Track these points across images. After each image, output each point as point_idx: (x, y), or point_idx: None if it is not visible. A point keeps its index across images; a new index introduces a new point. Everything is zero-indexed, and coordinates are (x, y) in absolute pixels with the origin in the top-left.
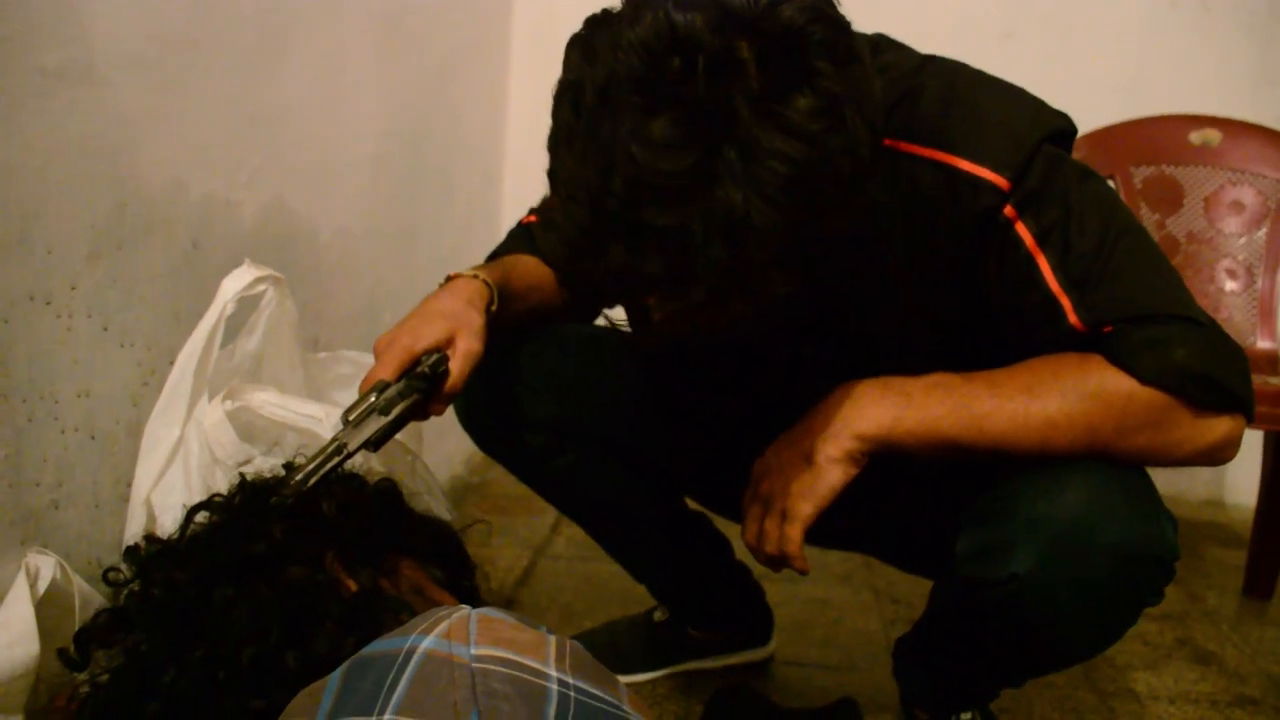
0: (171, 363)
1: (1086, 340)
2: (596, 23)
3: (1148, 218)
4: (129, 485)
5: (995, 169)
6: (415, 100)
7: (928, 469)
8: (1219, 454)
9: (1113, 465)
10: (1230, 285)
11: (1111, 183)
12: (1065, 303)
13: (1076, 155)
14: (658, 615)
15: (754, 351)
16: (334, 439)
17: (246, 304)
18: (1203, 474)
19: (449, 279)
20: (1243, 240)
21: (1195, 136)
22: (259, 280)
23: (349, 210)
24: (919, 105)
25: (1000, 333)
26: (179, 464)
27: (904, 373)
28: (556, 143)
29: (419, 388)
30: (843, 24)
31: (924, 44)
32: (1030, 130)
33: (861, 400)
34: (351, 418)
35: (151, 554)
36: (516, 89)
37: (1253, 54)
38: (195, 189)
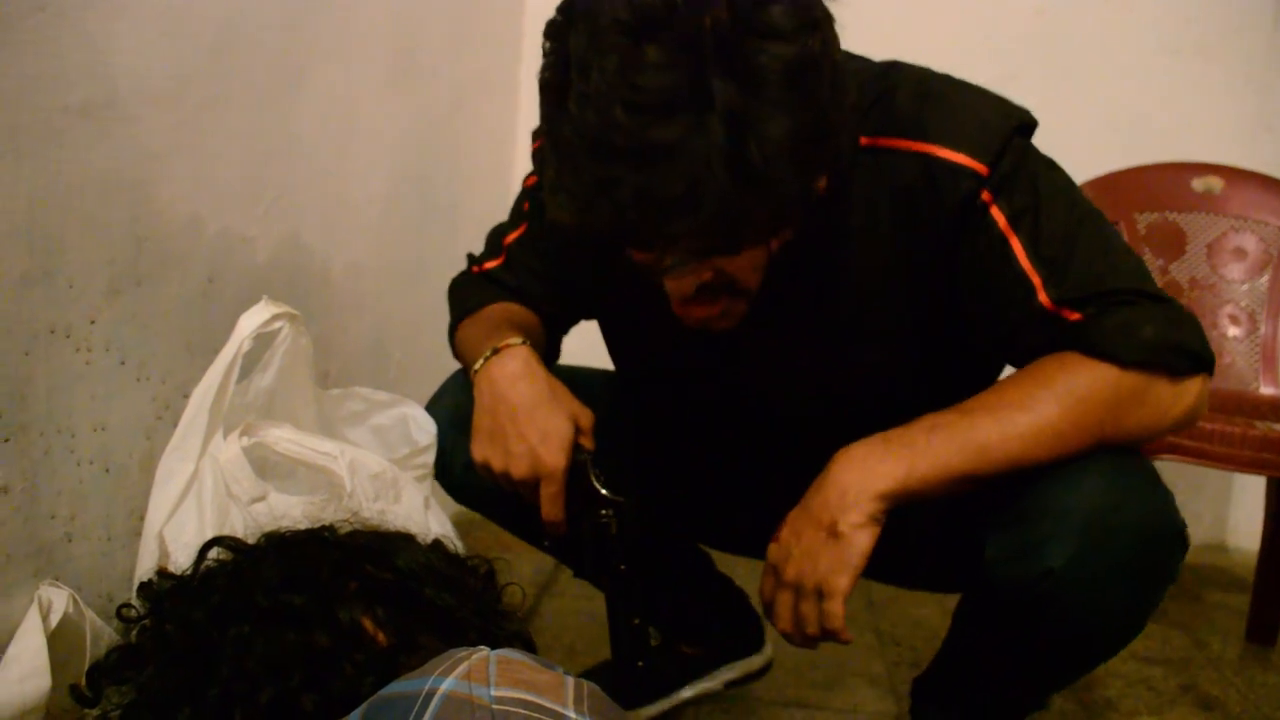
0: (186, 397)
1: (1053, 321)
2: (569, 2)
3: (1151, 263)
4: (142, 519)
5: (973, 155)
6: (425, 137)
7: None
8: (1196, 414)
9: (1115, 451)
10: (1233, 331)
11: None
12: (1036, 280)
13: None
14: (651, 642)
15: (745, 354)
16: (615, 592)
17: (262, 340)
18: (1205, 517)
19: (497, 350)
20: (1245, 287)
21: (1198, 183)
22: (276, 317)
23: (360, 245)
24: (894, 104)
25: (975, 318)
26: (193, 499)
27: (887, 374)
28: (552, 106)
29: (620, 500)
30: None
31: None
32: (1002, 121)
33: (868, 460)
34: (619, 567)
35: (165, 590)
36: (525, 126)
37: (1252, 101)
38: (212, 224)
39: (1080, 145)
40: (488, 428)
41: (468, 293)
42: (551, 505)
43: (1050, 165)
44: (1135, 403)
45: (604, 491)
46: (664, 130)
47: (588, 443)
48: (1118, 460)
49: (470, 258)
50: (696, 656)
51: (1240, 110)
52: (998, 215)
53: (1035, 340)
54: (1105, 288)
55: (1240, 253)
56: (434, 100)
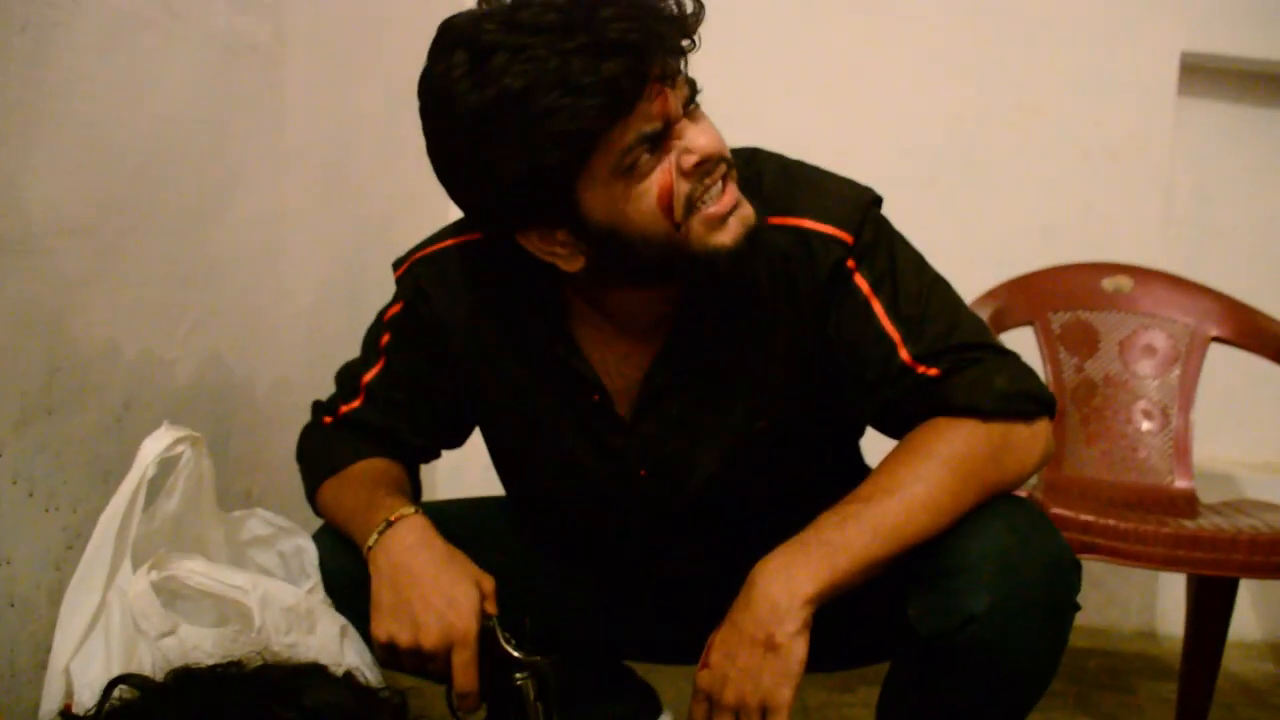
0: None
1: (913, 377)
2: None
3: (1066, 361)
4: (49, 653)
5: (839, 226)
6: (355, 251)
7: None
8: (1049, 452)
9: (1002, 500)
10: (1146, 425)
11: (1031, 329)
12: (896, 338)
13: (995, 302)
14: None
15: (638, 438)
16: None
17: (166, 465)
18: (1132, 605)
19: (391, 523)
20: (1156, 382)
21: (1108, 283)
22: (178, 440)
23: (286, 361)
24: (762, 186)
25: (846, 379)
26: (100, 632)
27: (778, 443)
28: (503, 72)
29: (535, 660)
30: None
31: None
32: (859, 197)
33: (790, 567)
34: None
35: None
36: None
37: (1157, 203)
38: (129, 349)
39: (997, 247)
40: (390, 602)
41: (326, 450)
42: (465, 673)
43: (900, 237)
44: (1005, 450)
45: (517, 654)
46: None
47: (491, 607)
48: (1008, 507)
49: (318, 406)
50: None
51: (1146, 212)
52: (861, 281)
53: (898, 394)
54: (955, 342)
55: (1150, 350)
56: (364, 217)
